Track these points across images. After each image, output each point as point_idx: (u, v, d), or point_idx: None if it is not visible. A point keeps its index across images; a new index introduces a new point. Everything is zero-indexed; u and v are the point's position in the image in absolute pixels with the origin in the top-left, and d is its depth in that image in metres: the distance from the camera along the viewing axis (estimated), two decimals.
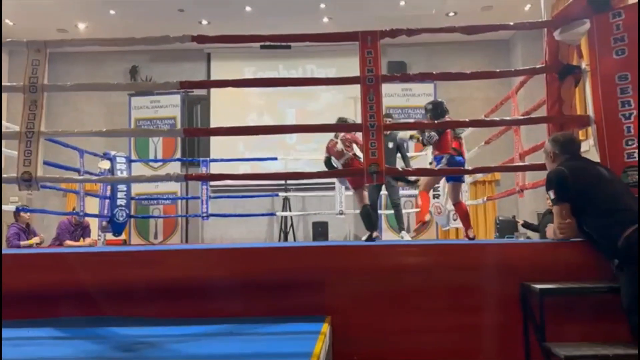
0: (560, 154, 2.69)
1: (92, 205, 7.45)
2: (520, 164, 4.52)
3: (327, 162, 4.74)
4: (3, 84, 3.31)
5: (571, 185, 2.52)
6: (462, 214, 4.60)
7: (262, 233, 9.94)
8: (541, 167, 2.94)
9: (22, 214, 6.41)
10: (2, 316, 2.16)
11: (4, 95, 3.71)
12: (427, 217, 4.81)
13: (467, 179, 6.81)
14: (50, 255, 2.84)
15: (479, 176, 8.15)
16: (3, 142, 4.37)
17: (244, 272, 2.49)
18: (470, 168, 3.68)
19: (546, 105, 3.31)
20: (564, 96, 3.17)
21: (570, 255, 2.55)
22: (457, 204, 4.63)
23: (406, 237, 5.36)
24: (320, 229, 8.89)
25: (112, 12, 8.98)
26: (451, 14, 9.16)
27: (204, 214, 7.88)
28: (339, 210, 7.66)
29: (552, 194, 2.60)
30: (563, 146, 2.72)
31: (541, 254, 2.61)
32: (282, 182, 9.34)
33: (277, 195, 8.70)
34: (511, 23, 3.30)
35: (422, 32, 3.23)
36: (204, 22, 9.43)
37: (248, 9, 8.97)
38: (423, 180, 4.71)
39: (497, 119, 3.54)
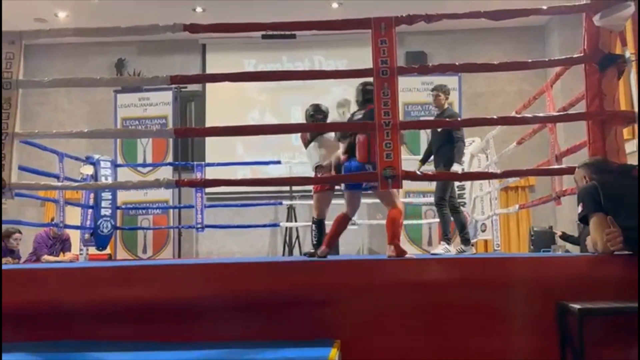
0: (597, 176, 2.69)
1: (73, 215, 7.50)
2: (557, 166, 4.50)
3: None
4: None
5: (603, 195, 2.53)
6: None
7: (264, 246, 9.95)
8: None
9: (11, 239, 6.54)
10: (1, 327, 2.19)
11: None
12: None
13: (497, 184, 6.78)
14: (25, 271, 2.87)
15: (511, 181, 8.10)
16: None
17: (240, 291, 2.49)
18: (499, 171, 3.67)
19: (585, 100, 3.29)
20: (606, 89, 3.16)
21: (615, 270, 2.53)
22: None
23: (440, 249, 5.19)
24: None
25: None
26: None
27: (199, 225, 7.90)
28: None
29: (580, 208, 2.61)
30: (596, 166, 2.74)
31: (581, 270, 2.59)
32: (287, 188, 9.35)
33: (280, 203, 8.70)
34: (544, 7, 3.29)
35: (443, 18, 3.24)
36: (199, 9, 9.49)
37: None
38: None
39: (530, 115, 3.53)
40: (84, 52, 10.34)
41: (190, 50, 10.35)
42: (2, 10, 3.88)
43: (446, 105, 5.41)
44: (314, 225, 4.81)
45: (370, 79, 3.29)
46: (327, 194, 4.75)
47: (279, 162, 8.29)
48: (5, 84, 3.19)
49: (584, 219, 2.66)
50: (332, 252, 5.02)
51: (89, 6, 9.22)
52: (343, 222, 4.27)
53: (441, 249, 5.17)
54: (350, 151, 4.08)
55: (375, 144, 3.83)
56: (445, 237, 5.26)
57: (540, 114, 3.91)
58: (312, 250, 4.74)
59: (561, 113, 4.40)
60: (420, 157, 8.28)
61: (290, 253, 9.01)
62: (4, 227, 6.77)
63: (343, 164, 4.16)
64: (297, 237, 9.12)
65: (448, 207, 5.22)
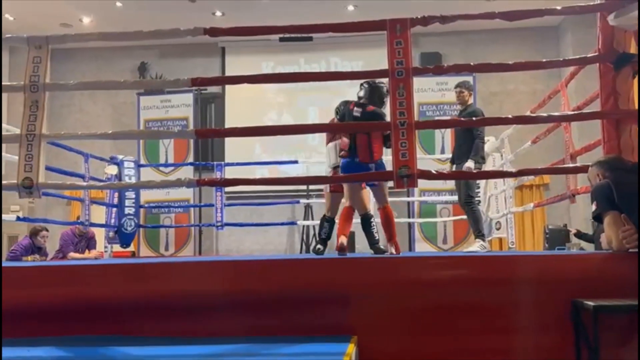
0: (610, 174, 2.66)
1: (98, 214, 7.60)
2: (572, 165, 4.44)
3: None
4: (3, 83, 3.41)
5: (617, 193, 2.49)
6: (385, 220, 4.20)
7: (282, 244, 9.98)
8: None
9: (38, 237, 6.63)
10: (1, 333, 2.22)
11: (4, 96, 3.83)
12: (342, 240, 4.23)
13: (512, 182, 6.71)
14: (49, 268, 2.91)
15: (526, 179, 8.02)
16: (3, 146, 4.50)
17: (259, 287, 2.50)
18: (514, 170, 3.63)
19: (600, 99, 3.25)
20: (620, 89, 3.11)
21: (630, 268, 2.48)
22: (383, 207, 4.26)
23: (476, 247, 5.08)
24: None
25: (118, 4, 9.18)
26: None
27: (219, 224, 7.94)
28: None
29: (594, 206, 2.57)
30: (610, 164, 2.69)
31: (596, 268, 2.56)
32: (304, 187, 9.37)
33: (298, 202, 8.72)
34: (558, 7, 3.25)
35: (457, 19, 3.21)
36: (218, 13, 9.55)
37: None
38: (350, 193, 4.31)
39: (545, 114, 3.49)
40: (108, 56, 10.45)
41: (210, 53, 10.41)
42: (2, 10, 3.93)
43: (470, 101, 5.37)
44: (326, 223, 4.62)
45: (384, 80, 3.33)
46: (341, 195, 4.71)
47: (296, 162, 8.30)
48: (32, 87, 3.24)
49: (598, 217, 2.63)
50: (348, 250, 4.98)
51: (113, 11, 9.32)
52: (350, 214, 4.36)
53: (477, 247, 5.07)
54: (350, 150, 4.14)
55: (375, 144, 4.05)
56: (479, 234, 5.16)
57: (555, 113, 3.86)
58: (320, 246, 4.57)
59: (576, 112, 4.34)
60: (435, 156, 8.34)
61: (308, 251, 9.02)
62: (33, 225, 6.88)
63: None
64: (314, 235, 9.12)
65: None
